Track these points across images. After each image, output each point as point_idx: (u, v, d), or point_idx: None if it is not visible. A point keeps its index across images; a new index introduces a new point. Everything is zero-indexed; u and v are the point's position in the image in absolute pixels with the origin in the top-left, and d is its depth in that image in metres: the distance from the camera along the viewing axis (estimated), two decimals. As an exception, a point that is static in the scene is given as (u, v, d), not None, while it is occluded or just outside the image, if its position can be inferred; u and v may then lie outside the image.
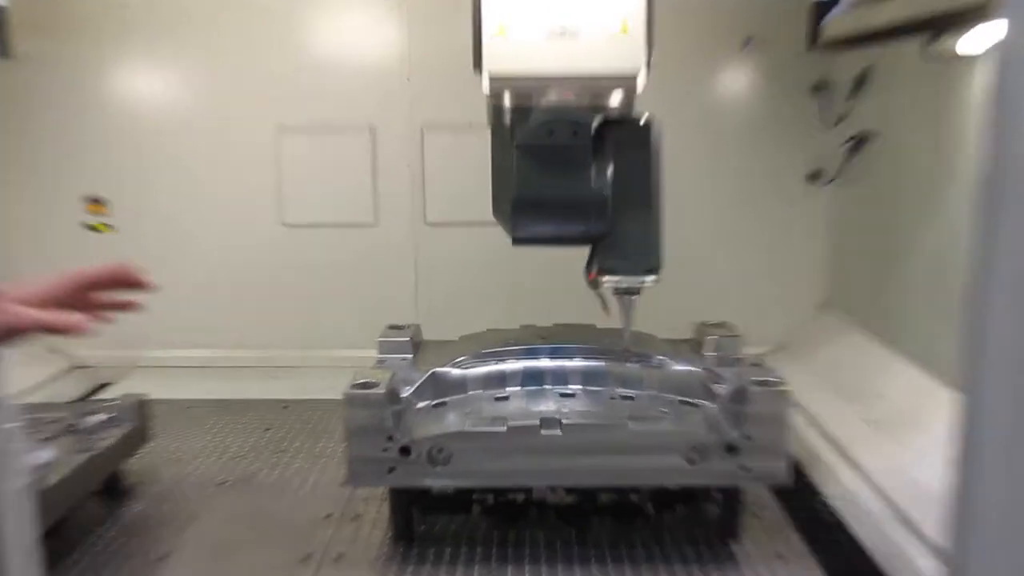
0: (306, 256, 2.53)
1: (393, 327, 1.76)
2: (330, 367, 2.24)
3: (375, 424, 1.39)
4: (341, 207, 2.50)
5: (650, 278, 1.46)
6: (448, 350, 1.69)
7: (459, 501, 1.59)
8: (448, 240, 2.51)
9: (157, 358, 2.54)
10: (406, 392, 1.52)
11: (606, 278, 1.47)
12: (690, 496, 1.60)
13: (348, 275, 2.54)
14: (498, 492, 1.60)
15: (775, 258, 2.52)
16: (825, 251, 2.48)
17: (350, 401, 1.39)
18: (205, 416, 2.21)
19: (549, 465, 1.40)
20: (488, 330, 1.80)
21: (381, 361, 1.67)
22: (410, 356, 1.68)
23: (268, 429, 2.12)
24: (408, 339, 1.70)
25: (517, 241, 1.51)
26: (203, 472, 1.88)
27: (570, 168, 1.46)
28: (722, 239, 2.51)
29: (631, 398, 1.53)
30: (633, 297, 1.49)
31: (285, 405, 2.27)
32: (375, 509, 1.66)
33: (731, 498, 1.51)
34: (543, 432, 1.39)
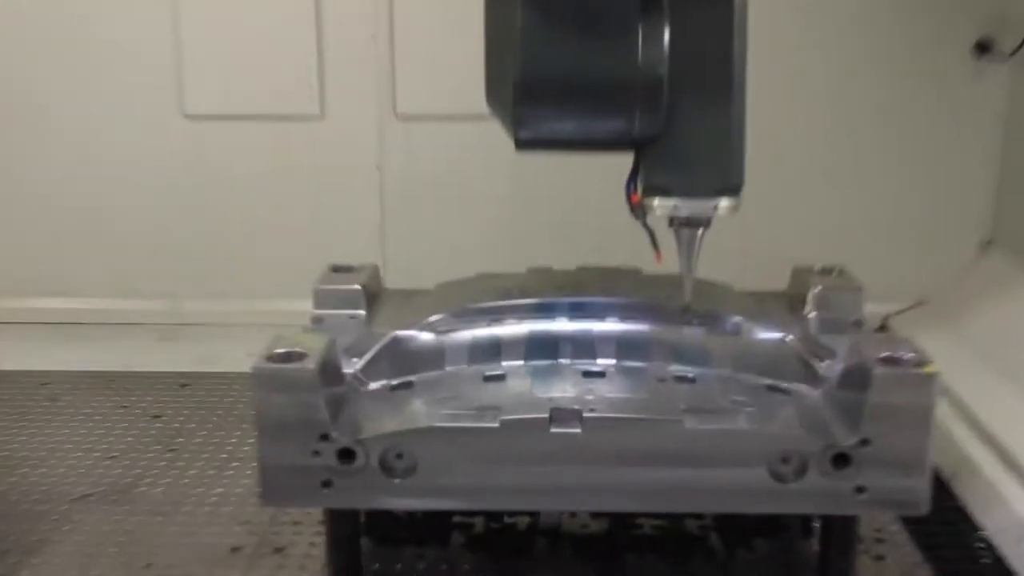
0: (219, 163, 2.54)
1: (338, 269, 1.74)
2: (254, 326, 2.20)
3: (301, 416, 1.34)
4: (270, 91, 2.50)
5: (725, 202, 1.42)
6: (419, 305, 1.65)
7: (432, 528, 1.57)
8: (428, 141, 2.50)
9: (2, 310, 2.55)
10: (352, 367, 1.49)
11: (657, 201, 1.44)
12: (776, 526, 1.57)
13: (281, 190, 2.55)
14: (490, 515, 1.58)
15: (918, 172, 2.49)
16: (995, 162, 2.45)
17: (263, 381, 1.34)
18: (66, 395, 2.20)
19: (563, 479, 1.35)
20: (480, 275, 1.77)
21: (318, 320, 1.64)
22: (362, 312, 1.65)
23: (158, 417, 2.11)
24: (359, 287, 1.67)
25: (523, 145, 1.46)
26: (58, 479, 1.86)
27: (605, 33, 1.42)
28: (837, 145, 2.48)
29: (691, 380, 1.49)
30: (699, 230, 1.45)
31: (185, 382, 2.26)
32: (307, 539, 1.63)
33: (838, 531, 1.47)
34: (554, 429, 1.33)
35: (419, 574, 1.54)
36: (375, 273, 1.77)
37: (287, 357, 1.37)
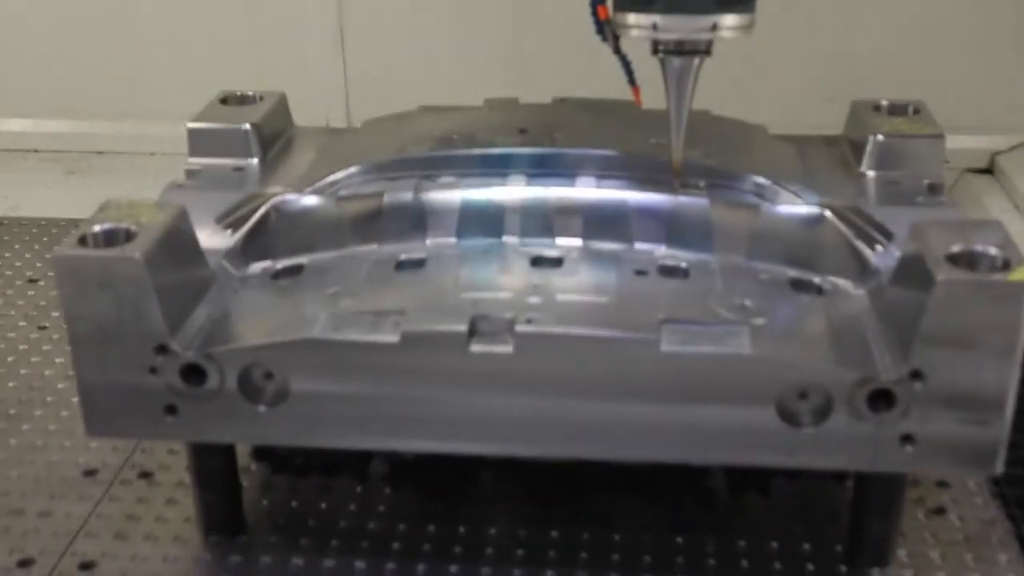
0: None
1: (228, 100, 1.62)
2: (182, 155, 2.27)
3: (126, 320, 1.17)
4: None
5: (730, 19, 1.25)
6: (330, 154, 1.52)
7: (341, 458, 1.44)
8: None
9: None
10: (216, 243, 1.34)
11: (633, 18, 1.27)
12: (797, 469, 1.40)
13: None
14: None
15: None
16: None
17: (69, 273, 1.17)
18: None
19: (487, 415, 1.19)
20: (421, 108, 1.64)
21: (193, 173, 1.51)
22: (254, 162, 1.53)
23: (35, 282, 2.00)
24: (249, 126, 1.53)
25: None
26: None
27: None
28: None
29: (682, 272, 1.31)
30: (694, 61, 1.28)
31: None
32: (184, 461, 1.48)
33: (878, 484, 1.28)
34: (475, 348, 1.15)
35: (321, 517, 1.40)
36: (280, 106, 1.62)
37: (109, 237, 1.21)
